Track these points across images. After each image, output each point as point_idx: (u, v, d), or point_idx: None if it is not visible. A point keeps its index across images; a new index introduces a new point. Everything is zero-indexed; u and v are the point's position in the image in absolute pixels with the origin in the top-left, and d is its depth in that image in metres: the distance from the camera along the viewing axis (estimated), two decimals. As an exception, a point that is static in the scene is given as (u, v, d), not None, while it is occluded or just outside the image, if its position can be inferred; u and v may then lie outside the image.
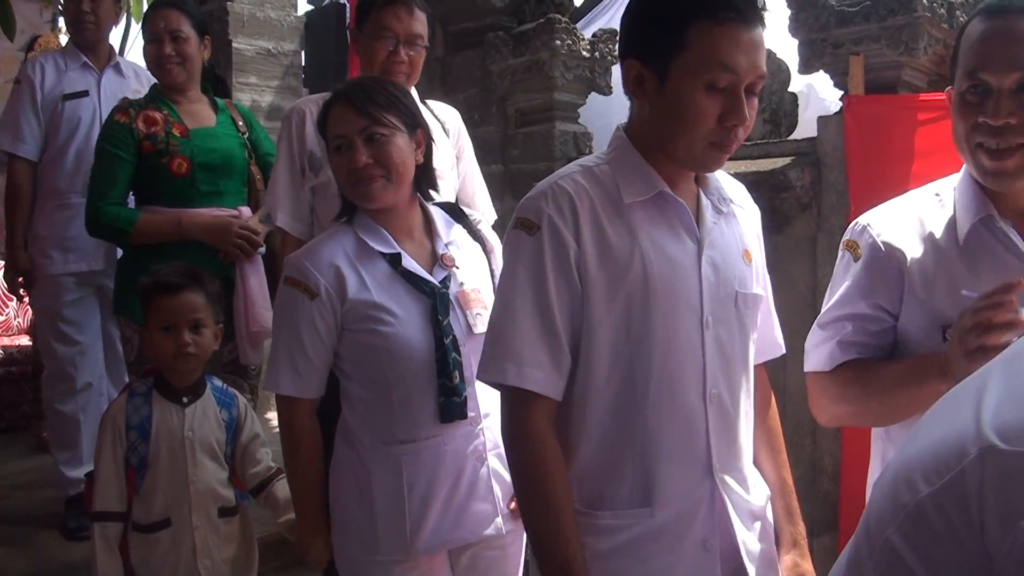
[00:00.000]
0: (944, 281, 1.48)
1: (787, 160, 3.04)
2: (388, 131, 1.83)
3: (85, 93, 3.49)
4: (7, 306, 5.64)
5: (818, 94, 3.69)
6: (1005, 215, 1.48)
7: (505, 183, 3.63)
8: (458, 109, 2.70)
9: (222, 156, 2.90)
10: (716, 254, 1.44)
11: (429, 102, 2.59)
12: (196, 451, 2.16)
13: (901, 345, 1.56)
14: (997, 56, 1.40)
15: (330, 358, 1.86)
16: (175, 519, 2.15)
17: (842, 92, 2.97)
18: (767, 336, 1.64)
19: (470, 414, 1.83)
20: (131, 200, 2.97)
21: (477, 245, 2.02)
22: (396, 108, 1.85)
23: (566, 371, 1.40)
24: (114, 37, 3.69)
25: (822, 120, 2.99)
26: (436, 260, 1.89)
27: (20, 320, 5.69)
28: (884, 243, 1.55)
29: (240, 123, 3.03)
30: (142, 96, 3.09)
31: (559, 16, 3.30)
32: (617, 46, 1.53)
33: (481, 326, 1.79)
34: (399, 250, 1.85)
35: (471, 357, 1.79)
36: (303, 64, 5.26)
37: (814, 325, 1.65)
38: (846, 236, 1.63)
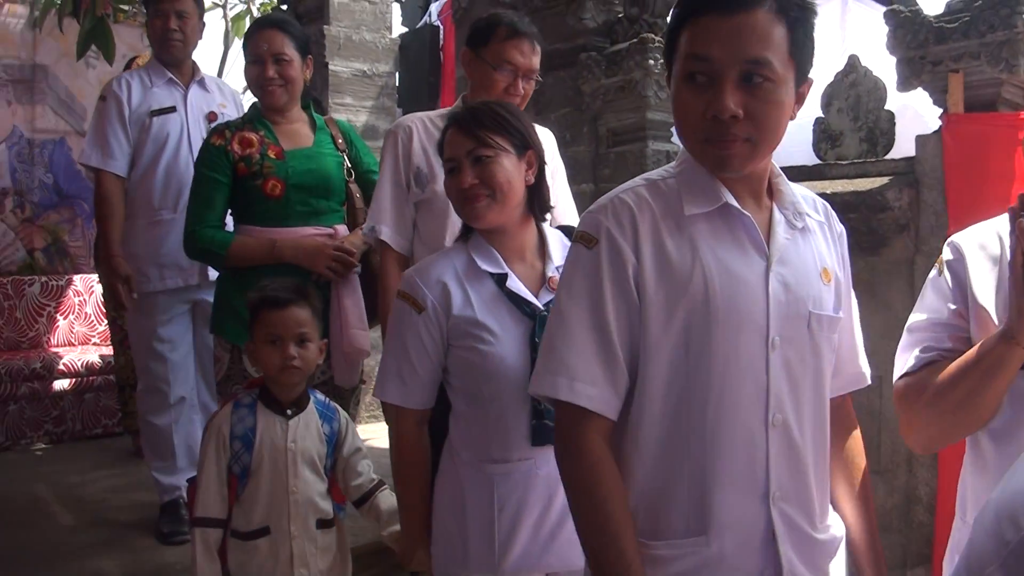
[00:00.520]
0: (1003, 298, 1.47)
1: (884, 180, 2.98)
2: (494, 152, 1.86)
3: (172, 109, 3.52)
4: (106, 318, 5.84)
5: (916, 112, 3.61)
6: None
7: (595, 202, 3.60)
8: (550, 129, 2.72)
9: (318, 176, 2.90)
10: (787, 271, 1.37)
11: None
12: (298, 463, 2.21)
13: None
14: None
15: (437, 371, 1.90)
16: (274, 528, 2.20)
17: (941, 110, 2.91)
18: (849, 365, 1.56)
19: None
20: (230, 220, 3.01)
21: None
22: (504, 130, 1.87)
23: (622, 390, 1.35)
24: (214, 55, 3.78)
25: (920, 139, 2.93)
26: (544, 282, 1.90)
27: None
28: (960, 255, 1.55)
29: (340, 140, 3.03)
30: (227, 110, 3.15)
31: (652, 36, 3.30)
32: None
33: None
34: (506, 271, 1.87)
35: None
36: (397, 85, 5.35)
37: (904, 331, 1.63)
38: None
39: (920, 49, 2.88)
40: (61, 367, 5.29)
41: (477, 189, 1.85)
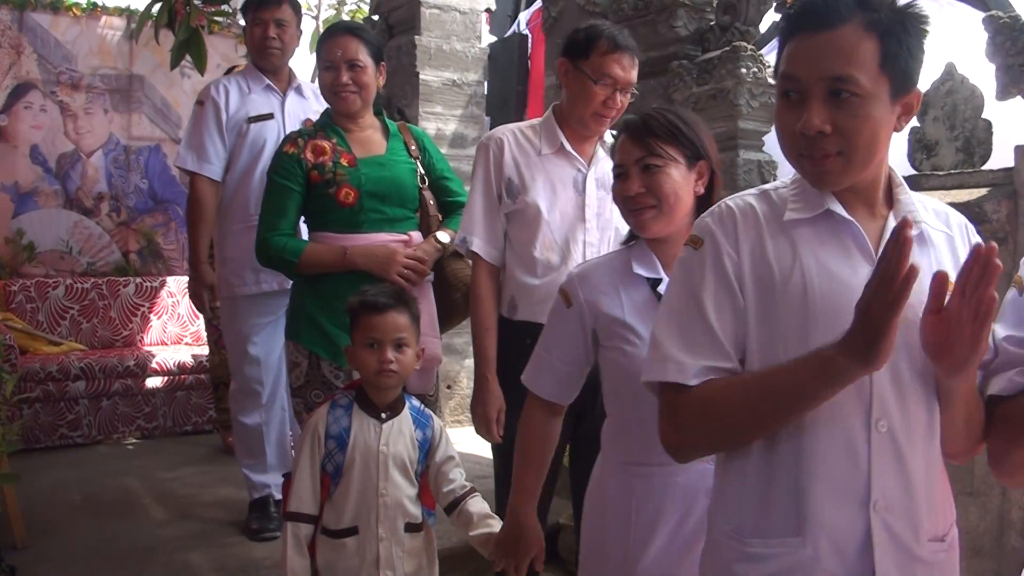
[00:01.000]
0: None
1: (982, 191, 2.90)
2: (663, 162, 1.86)
3: (270, 116, 3.57)
4: (199, 317, 6.03)
5: (1015, 121, 3.50)
6: None
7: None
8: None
9: (391, 184, 2.89)
10: None
11: (613, 132, 2.63)
12: (389, 466, 2.25)
13: None
14: None
15: (575, 367, 1.98)
16: (362, 528, 2.24)
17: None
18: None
19: None
20: (304, 227, 3.03)
21: None
22: (676, 140, 1.88)
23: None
24: (304, 62, 3.84)
25: (1020, 149, 2.85)
26: None
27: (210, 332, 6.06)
28: None
29: (413, 147, 3.02)
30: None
31: (744, 44, 3.27)
32: None
33: None
34: (661, 276, 1.90)
35: None
36: (486, 93, 5.40)
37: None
38: None
39: (1020, 56, 2.80)
40: (154, 365, 5.46)
41: (643, 198, 1.88)
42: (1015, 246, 2.80)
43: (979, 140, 3.16)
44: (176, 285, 6.08)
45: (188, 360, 5.56)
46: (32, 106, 6.07)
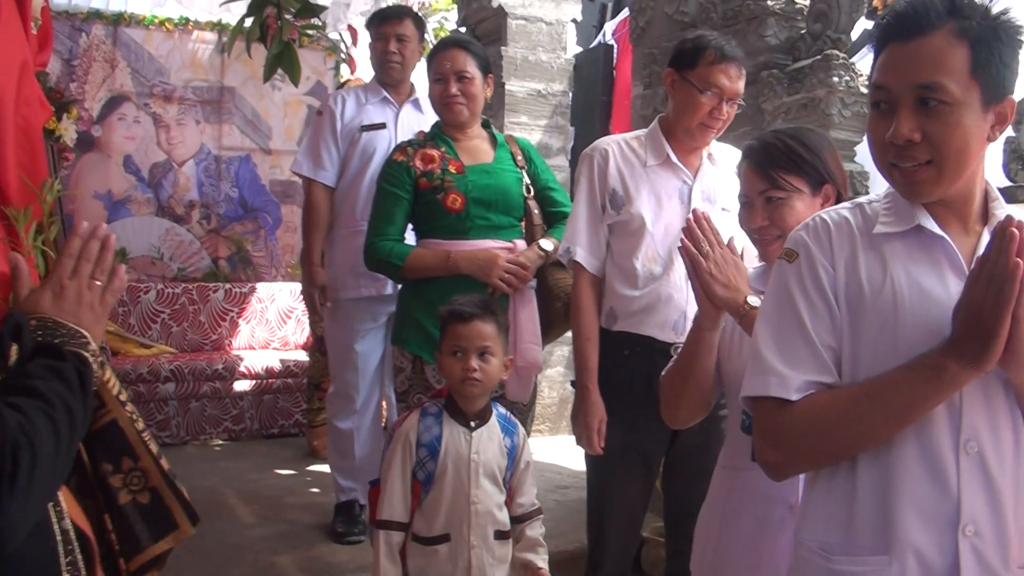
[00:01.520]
0: None
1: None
2: (785, 194, 1.87)
3: (382, 126, 3.65)
4: (286, 323, 6.17)
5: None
6: None
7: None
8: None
9: (497, 192, 2.95)
10: None
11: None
12: (480, 474, 2.27)
13: None
14: None
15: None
16: (454, 536, 2.26)
17: None
18: None
19: None
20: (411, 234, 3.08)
21: None
22: (799, 169, 1.87)
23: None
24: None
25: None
26: None
27: (297, 336, 6.21)
28: None
29: (519, 158, 3.08)
30: None
31: (836, 52, 3.21)
32: None
33: None
34: None
35: None
36: (570, 104, 5.42)
37: None
38: None
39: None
40: (242, 369, 5.59)
41: (768, 231, 1.89)
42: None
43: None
44: (264, 291, 6.23)
45: (276, 364, 5.68)
46: (126, 117, 6.29)
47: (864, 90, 3.24)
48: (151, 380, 5.35)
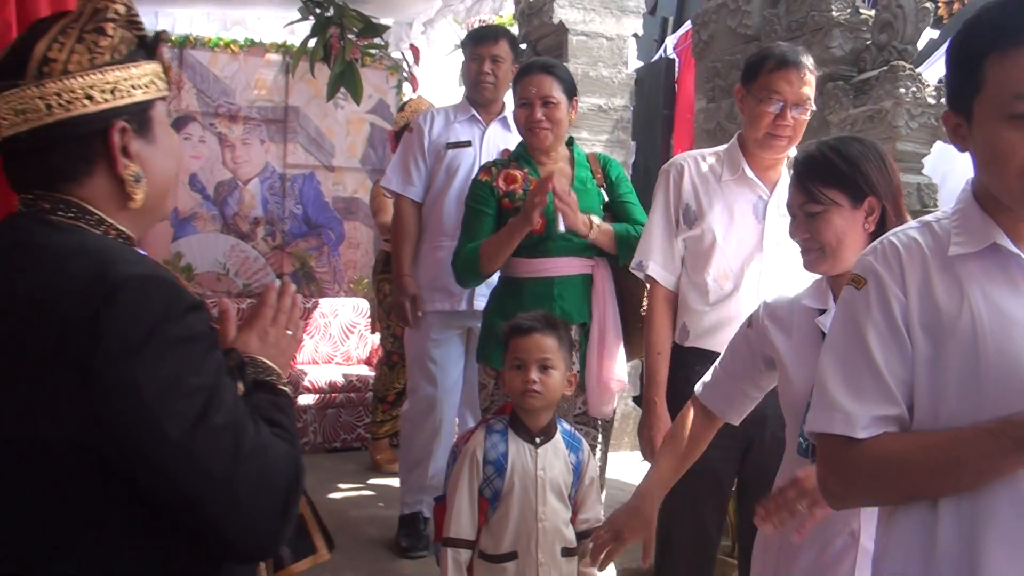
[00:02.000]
0: None
1: None
2: (822, 208, 1.83)
3: (467, 144, 3.67)
4: (348, 338, 6.25)
5: None
6: None
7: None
8: (795, 160, 2.69)
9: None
10: None
11: None
12: (547, 490, 2.28)
13: None
14: None
15: (744, 385, 2.03)
16: (522, 553, 2.27)
17: None
18: None
19: None
20: None
21: None
22: (839, 183, 1.82)
23: (903, 424, 1.31)
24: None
25: None
26: None
27: (360, 351, 6.28)
28: None
29: (599, 175, 3.08)
30: None
31: (903, 63, 3.17)
32: None
33: None
34: (826, 307, 1.89)
35: None
36: (631, 118, 5.41)
37: None
38: None
39: None
40: (306, 383, 5.66)
41: (809, 243, 1.87)
42: None
43: None
44: (328, 306, 6.30)
45: (338, 379, 5.75)
46: (191, 137, 6.45)
47: (931, 101, 3.19)
48: (217, 394, 5.43)
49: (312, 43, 4.89)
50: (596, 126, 5.15)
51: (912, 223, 1.40)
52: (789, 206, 1.91)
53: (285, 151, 6.67)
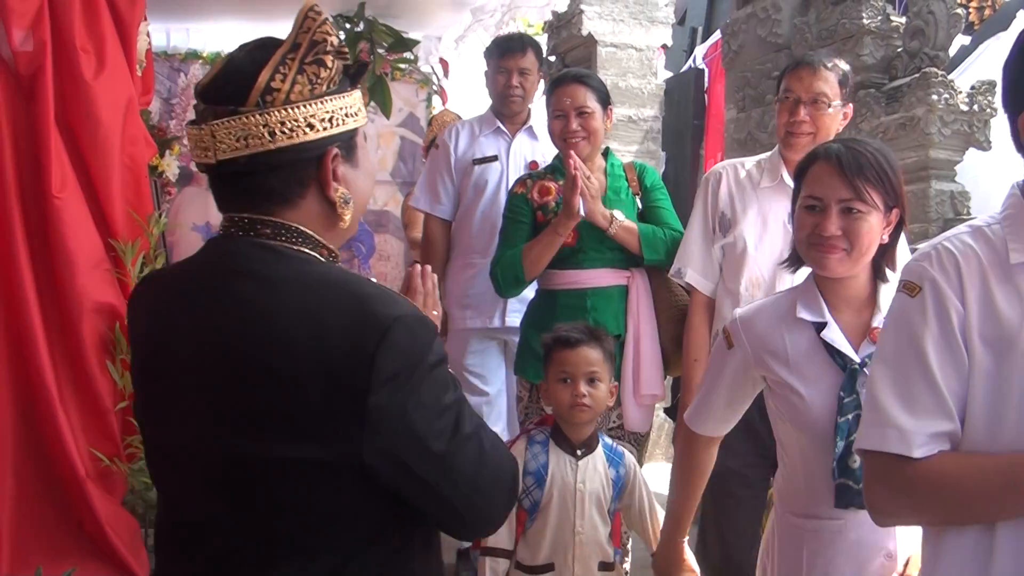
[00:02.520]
0: None
1: None
2: (866, 208, 1.74)
3: (494, 158, 3.63)
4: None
5: None
6: None
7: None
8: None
9: None
10: None
11: None
12: (586, 503, 2.28)
13: None
14: None
15: (739, 408, 1.96)
16: (559, 565, 2.27)
17: None
18: None
19: None
20: None
21: None
22: (883, 185, 1.75)
23: (955, 441, 1.25)
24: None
25: None
26: (867, 333, 1.81)
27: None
28: None
29: (635, 184, 3.05)
30: (549, 159, 3.27)
31: (935, 70, 3.16)
32: (1000, 98, 1.36)
33: None
34: (826, 320, 1.80)
35: None
36: (661, 128, 5.42)
37: None
38: None
39: None
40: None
41: (837, 241, 1.75)
42: None
43: None
44: (359, 319, 6.31)
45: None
46: (223, 152, 6.50)
47: (964, 108, 3.18)
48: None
49: (342, 57, 4.93)
50: (626, 137, 5.17)
51: (963, 228, 1.33)
52: (819, 198, 1.77)
53: (317, 165, 6.71)
